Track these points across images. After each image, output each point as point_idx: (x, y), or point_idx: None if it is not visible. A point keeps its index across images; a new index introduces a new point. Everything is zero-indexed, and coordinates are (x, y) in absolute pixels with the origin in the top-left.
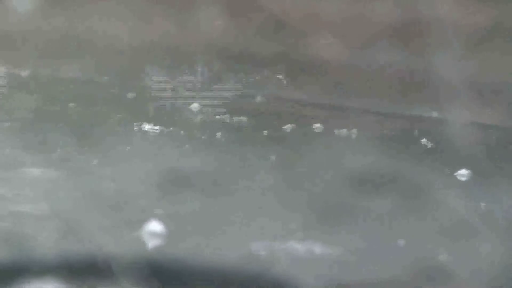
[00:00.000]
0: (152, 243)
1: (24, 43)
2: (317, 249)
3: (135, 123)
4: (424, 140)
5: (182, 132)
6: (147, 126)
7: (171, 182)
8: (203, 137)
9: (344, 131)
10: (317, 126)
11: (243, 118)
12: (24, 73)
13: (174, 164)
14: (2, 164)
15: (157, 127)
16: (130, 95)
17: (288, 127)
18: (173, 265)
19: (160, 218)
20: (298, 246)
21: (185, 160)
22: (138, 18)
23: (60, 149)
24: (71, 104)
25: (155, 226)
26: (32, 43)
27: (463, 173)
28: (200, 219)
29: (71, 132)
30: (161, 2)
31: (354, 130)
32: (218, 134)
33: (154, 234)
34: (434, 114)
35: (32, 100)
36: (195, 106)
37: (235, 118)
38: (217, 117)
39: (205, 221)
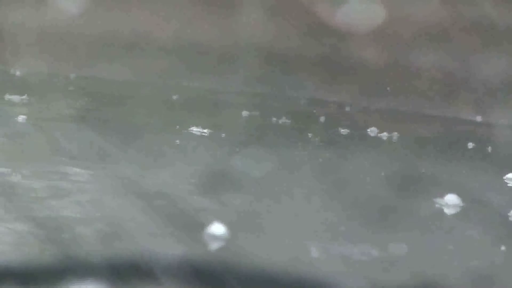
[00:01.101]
0: (213, 245)
1: (70, 45)
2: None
3: (183, 126)
4: (470, 144)
5: (229, 134)
6: (195, 129)
7: (219, 184)
8: (249, 139)
9: (384, 134)
10: (360, 129)
11: (287, 121)
12: (71, 75)
13: (222, 166)
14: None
15: (205, 130)
16: (175, 97)
17: (331, 129)
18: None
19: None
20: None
21: (233, 162)
22: (182, 20)
23: (106, 151)
24: (117, 106)
25: (217, 228)
26: (78, 45)
27: (510, 177)
28: (252, 220)
29: (117, 134)
30: (205, 5)
31: (395, 133)
32: (264, 136)
33: (215, 237)
34: (479, 117)
35: (78, 101)
36: (239, 108)
37: (280, 121)
38: (263, 119)
39: (257, 222)
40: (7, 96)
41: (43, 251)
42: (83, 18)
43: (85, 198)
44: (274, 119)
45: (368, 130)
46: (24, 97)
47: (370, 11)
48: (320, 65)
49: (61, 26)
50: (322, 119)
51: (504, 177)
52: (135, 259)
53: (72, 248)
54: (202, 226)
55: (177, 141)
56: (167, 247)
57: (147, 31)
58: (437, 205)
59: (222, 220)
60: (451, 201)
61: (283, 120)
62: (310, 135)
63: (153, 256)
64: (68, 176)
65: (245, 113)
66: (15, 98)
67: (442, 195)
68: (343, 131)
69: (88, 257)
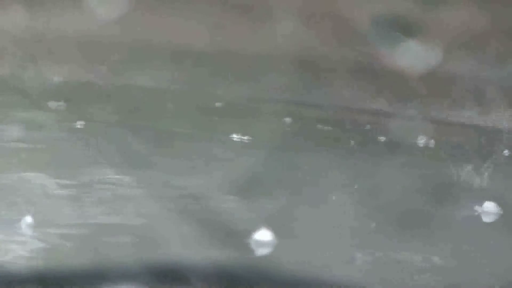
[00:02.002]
0: (248, 251)
1: (106, 52)
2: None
3: (221, 133)
4: (506, 152)
5: (267, 141)
6: (235, 136)
7: (255, 191)
8: (286, 146)
9: (421, 141)
10: (396, 136)
11: (323, 128)
12: (107, 82)
13: (259, 172)
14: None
15: (245, 137)
16: (212, 104)
17: (367, 136)
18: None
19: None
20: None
21: (270, 168)
22: (216, 28)
23: (143, 157)
24: (154, 113)
25: (263, 234)
26: (114, 52)
27: None
28: (287, 226)
29: (154, 140)
30: (239, 13)
31: (432, 140)
32: (301, 143)
33: (261, 243)
34: None
35: (114, 108)
36: (275, 115)
37: (316, 128)
38: (299, 126)
39: (291, 228)
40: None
41: (79, 256)
42: (119, 26)
43: (121, 203)
44: (310, 126)
45: (405, 137)
46: (61, 103)
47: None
48: (355, 73)
49: (97, 34)
50: (358, 126)
51: None
52: (171, 264)
53: (108, 253)
54: (237, 232)
55: (215, 147)
56: (202, 252)
57: (181, 39)
58: (474, 213)
59: (257, 226)
60: (488, 208)
61: (319, 127)
62: (346, 142)
63: (189, 261)
64: (104, 181)
65: (281, 120)
66: (53, 104)
67: (479, 203)
68: (380, 138)
69: (124, 262)
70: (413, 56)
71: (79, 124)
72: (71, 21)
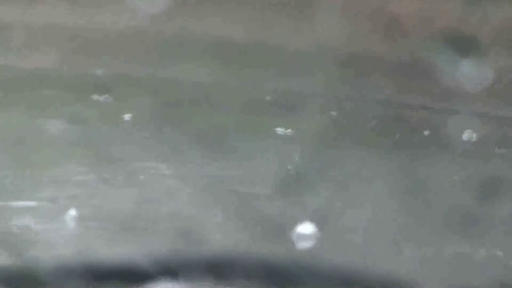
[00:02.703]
0: (303, 245)
1: (147, 45)
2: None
3: (265, 127)
4: None
5: (311, 135)
6: (279, 129)
7: (298, 185)
8: (330, 140)
9: (466, 136)
10: (441, 131)
11: (366, 122)
12: (149, 75)
13: (302, 167)
14: (128, 163)
15: (289, 131)
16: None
17: (412, 131)
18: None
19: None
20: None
21: (314, 163)
22: (257, 22)
23: (187, 150)
24: (196, 107)
25: (307, 228)
26: (154, 46)
27: None
28: (338, 221)
29: (197, 134)
30: (280, 6)
31: (475, 134)
32: (345, 138)
33: (305, 236)
34: None
35: (158, 101)
36: (319, 109)
37: (360, 122)
38: (343, 120)
39: (341, 222)
40: (95, 97)
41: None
42: (162, 19)
43: (164, 197)
44: (354, 121)
45: (450, 132)
46: (106, 96)
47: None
48: (397, 67)
49: (140, 27)
50: (402, 121)
51: None
52: (213, 258)
53: (151, 247)
54: (280, 226)
55: (259, 141)
56: (245, 247)
57: (225, 33)
58: None
59: (300, 220)
60: None
61: (363, 122)
62: (390, 137)
63: (231, 256)
64: (149, 175)
65: (326, 114)
66: (98, 98)
67: None
68: (425, 133)
69: (166, 256)
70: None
71: (127, 117)
72: (113, 14)
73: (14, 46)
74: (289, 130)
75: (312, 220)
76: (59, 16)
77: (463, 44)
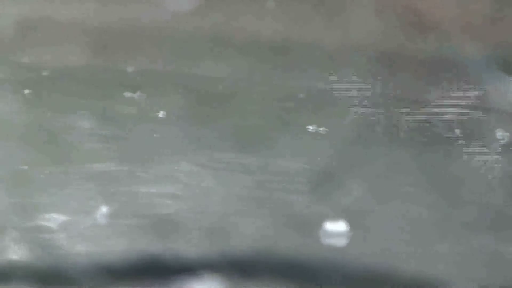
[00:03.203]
0: (333, 243)
1: (178, 42)
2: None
3: (296, 124)
4: None
5: (343, 132)
6: (310, 127)
7: (329, 183)
8: (362, 138)
9: (500, 133)
10: (475, 129)
11: (398, 120)
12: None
13: (333, 164)
14: (159, 161)
15: (321, 129)
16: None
17: (446, 129)
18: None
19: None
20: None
21: (344, 160)
22: (290, 19)
23: (216, 148)
24: (227, 104)
25: (337, 226)
26: (186, 42)
27: None
28: (370, 218)
29: (228, 131)
30: (312, 4)
31: (507, 133)
32: (376, 135)
33: (335, 234)
34: None
35: (188, 98)
36: (351, 106)
37: (392, 120)
38: (375, 118)
39: (372, 220)
40: (127, 94)
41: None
42: (192, 17)
43: (196, 195)
44: (387, 119)
45: (484, 130)
46: (137, 94)
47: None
48: (430, 66)
49: (170, 24)
50: (434, 119)
51: None
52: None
53: (182, 244)
54: (311, 223)
55: (292, 139)
56: (275, 244)
57: (255, 30)
58: None
59: (331, 218)
60: None
61: (395, 120)
62: (423, 134)
63: (262, 253)
64: (178, 173)
65: (358, 112)
66: (130, 95)
67: None
68: (457, 131)
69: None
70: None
71: (161, 114)
72: (143, 11)
73: (43, 43)
74: (322, 128)
75: (343, 218)
76: (88, 12)
77: (497, 43)
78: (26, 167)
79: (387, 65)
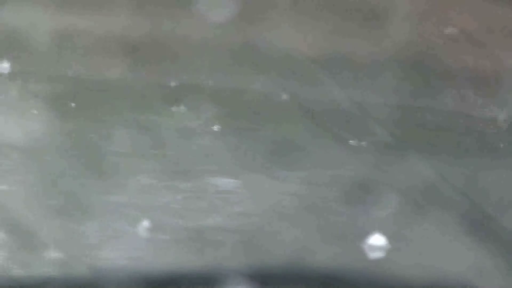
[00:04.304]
0: (373, 256)
1: (213, 55)
2: None
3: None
4: None
5: (381, 145)
6: (351, 141)
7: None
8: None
9: None
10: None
11: (434, 132)
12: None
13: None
14: (197, 174)
15: (363, 143)
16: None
17: (483, 142)
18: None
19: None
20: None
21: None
22: (325, 32)
23: (255, 160)
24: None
25: (377, 239)
26: (220, 55)
27: None
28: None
29: (265, 143)
30: (348, 16)
31: None
32: (413, 148)
33: (375, 247)
34: None
35: (226, 110)
36: (389, 119)
37: (427, 132)
38: (410, 130)
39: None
40: (165, 107)
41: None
42: (225, 29)
43: (234, 209)
44: (423, 131)
45: None
46: (181, 107)
47: None
48: (466, 77)
49: (208, 37)
50: (473, 132)
51: None
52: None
53: (221, 258)
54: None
55: (332, 152)
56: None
57: (291, 43)
58: None
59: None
60: None
61: (432, 132)
62: (462, 148)
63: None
64: (215, 186)
65: (394, 124)
66: (169, 108)
67: None
68: (499, 144)
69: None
70: None
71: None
72: (180, 23)
73: (84, 56)
74: (363, 143)
75: (381, 231)
76: (126, 25)
77: None
78: (66, 179)
79: (426, 78)
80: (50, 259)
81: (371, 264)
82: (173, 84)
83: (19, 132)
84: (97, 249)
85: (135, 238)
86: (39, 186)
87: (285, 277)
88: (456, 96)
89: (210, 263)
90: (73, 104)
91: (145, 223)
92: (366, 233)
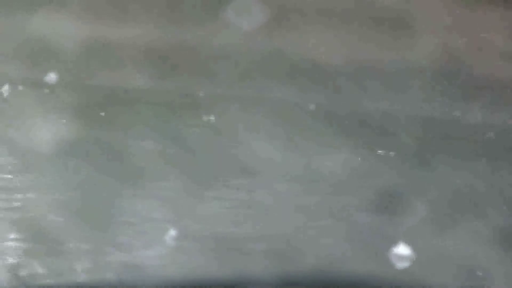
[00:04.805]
0: (397, 265)
1: (241, 64)
2: None
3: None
4: None
5: (410, 155)
6: (380, 151)
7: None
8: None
9: None
10: None
11: (455, 143)
12: (244, 93)
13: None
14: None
15: (391, 153)
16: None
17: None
18: None
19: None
20: None
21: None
22: (351, 42)
23: (289, 166)
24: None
25: (403, 249)
26: (248, 64)
27: None
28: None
29: (292, 155)
30: (374, 26)
31: None
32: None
33: (401, 257)
34: None
35: (257, 119)
36: (416, 130)
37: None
38: (436, 141)
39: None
40: (194, 116)
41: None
42: (253, 38)
43: (258, 217)
44: (450, 140)
45: None
46: (211, 118)
47: None
48: (494, 88)
49: (233, 46)
50: (500, 142)
51: None
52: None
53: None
54: (376, 246)
55: (360, 162)
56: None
57: (317, 52)
58: None
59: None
60: None
61: (462, 143)
62: (492, 159)
63: (328, 275)
64: (244, 193)
65: (422, 134)
66: (197, 117)
67: None
68: None
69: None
70: None
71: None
72: (210, 33)
73: (113, 66)
74: (392, 153)
75: (409, 240)
76: (156, 35)
77: None
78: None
79: (454, 87)
80: (79, 267)
81: (398, 273)
82: (201, 93)
83: (48, 140)
84: (125, 257)
85: (163, 246)
86: (67, 194)
87: (312, 285)
88: (484, 107)
89: (237, 271)
90: (102, 114)
91: (173, 231)
92: (393, 243)
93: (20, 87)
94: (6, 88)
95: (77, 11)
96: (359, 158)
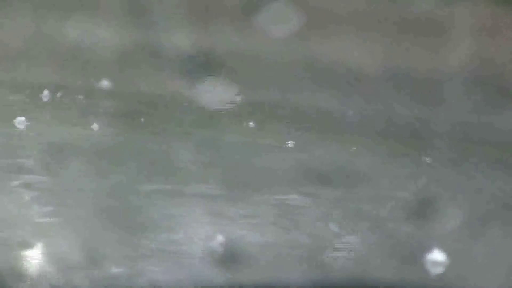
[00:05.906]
0: (431, 272)
1: (272, 70)
2: None
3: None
4: None
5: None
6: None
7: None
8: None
9: None
10: None
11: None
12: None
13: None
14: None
15: (427, 158)
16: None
17: None
18: None
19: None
20: None
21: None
22: (390, 49)
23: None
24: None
25: (437, 255)
26: (280, 71)
27: None
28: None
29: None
30: (411, 33)
31: None
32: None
33: (434, 263)
34: None
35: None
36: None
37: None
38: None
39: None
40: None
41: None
42: (289, 46)
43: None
44: (485, 146)
45: None
46: (250, 123)
47: None
48: None
49: (269, 53)
50: None
51: None
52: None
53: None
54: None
55: (392, 167)
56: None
57: (352, 59)
58: None
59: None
60: None
61: (493, 147)
62: None
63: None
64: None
65: (458, 140)
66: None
67: None
68: None
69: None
70: None
71: (290, 144)
72: (247, 40)
73: (146, 72)
74: (427, 158)
75: (445, 246)
76: (193, 43)
77: None
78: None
79: (484, 95)
80: (113, 274)
81: (432, 280)
82: (238, 100)
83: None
84: (158, 264)
85: (196, 253)
86: (103, 201)
87: None
88: None
89: (272, 277)
90: (142, 120)
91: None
92: (429, 249)
93: (59, 94)
94: (46, 93)
95: (116, 20)
96: (394, 164)
